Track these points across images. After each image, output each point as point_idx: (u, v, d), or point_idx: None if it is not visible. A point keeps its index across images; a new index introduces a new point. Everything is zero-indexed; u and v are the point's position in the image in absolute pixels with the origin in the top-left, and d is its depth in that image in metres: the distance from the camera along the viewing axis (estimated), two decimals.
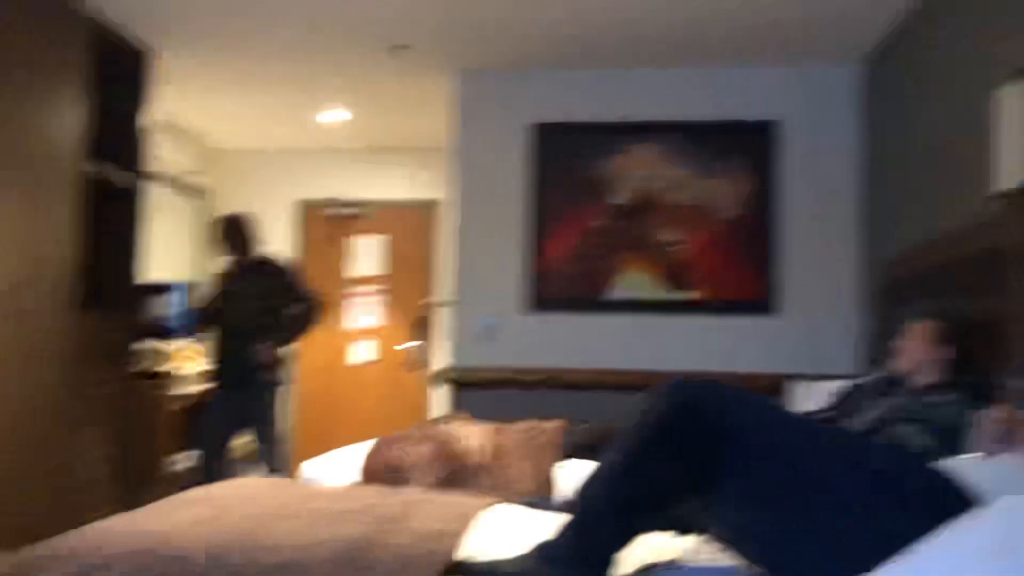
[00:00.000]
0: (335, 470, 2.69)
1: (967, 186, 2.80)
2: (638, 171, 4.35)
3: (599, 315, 4.31)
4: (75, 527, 1.65)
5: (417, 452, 2.49)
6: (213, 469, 4.07)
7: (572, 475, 2.58)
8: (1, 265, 3.18)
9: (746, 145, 4.25)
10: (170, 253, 5.56)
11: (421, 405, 6.13)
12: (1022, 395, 1.80)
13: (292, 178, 6.31)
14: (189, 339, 5.04)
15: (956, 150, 2.99)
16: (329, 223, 6.28)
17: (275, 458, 4.17)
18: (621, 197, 4.34)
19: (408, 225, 6.26)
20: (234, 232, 4.29)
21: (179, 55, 4.27)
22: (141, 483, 4.34)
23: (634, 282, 4.30)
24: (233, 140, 6.14)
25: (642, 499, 1.42)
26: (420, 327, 6.17)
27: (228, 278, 4.33)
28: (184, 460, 4.89)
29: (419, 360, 6.14)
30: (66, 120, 3.60)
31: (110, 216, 4.03)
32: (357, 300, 6.26)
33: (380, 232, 6.28)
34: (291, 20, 3.86)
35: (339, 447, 6.04)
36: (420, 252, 6.23)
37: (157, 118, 4.77)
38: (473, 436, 2.57)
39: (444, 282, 6.10)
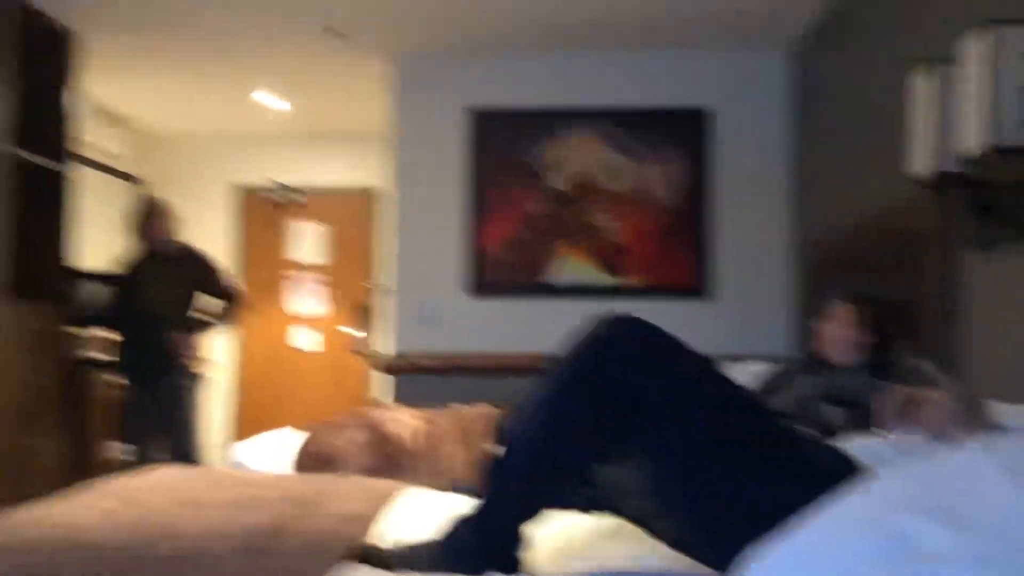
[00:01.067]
0: (266, 453, 2.70)
1: (887, 172, 2.90)
2: (575, 157, 4.40)
3: (539, 300, 4.37)
4: None
5: (348, 438, 2.51)
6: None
7: None
8: None
9: (680, 132, 4.33)
10: (105, 241, 5.47)
11: (363, 393, 6.14)
12: (921, 375, 1.89)
13: (229, 163, 6.25)
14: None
15: (877, 136, 3.10)
16: (268, 208, 6.24)
17: (191, 450, 4.14)
18: (559, 183, 4.39)
19: (348, 212, 6.25)
20: (150, 217, 4.24)
21: (104, 37, 4.19)
22: (90, 472, 4.30)
23: (573, 267, 4.37)
24: (167, 125, 6.05)
25: (553, 455, 1.44)
26: (362, 314, 6.17)
27: (141, 265, 4.27)
28: (125, 451, 4.86)
29: (362, 346, 6.14)
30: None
31: (38, 202, 3.97)
32: (298, 286, 6.24)
33: (321, 219, 6.26)
34: None
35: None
36: (361, 239, 6.22)
37: (87, 103, 4.69)
38: (406, 422, 2.60)
39: (386, 269, 6.11)
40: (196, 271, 4.24)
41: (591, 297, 4.33)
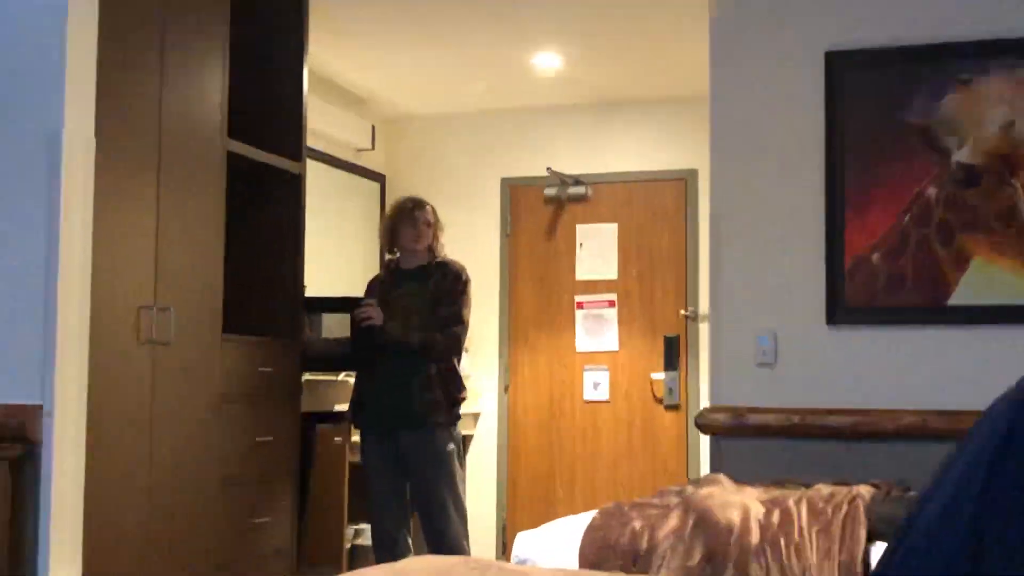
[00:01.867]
0: (556, 548, 2.65)
1: None
2: (990, 113, 4.01)
3: (935, 329, 4.01)
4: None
5: (662, 527, 2.39)
6: (387, 544, 4.18)
7: None
8: (133, 277, 3.45)
9: None
10: (341, 256, 5.85)
11: (675, 460, 6.03)
12: None
13: (497, 149, 6.44)
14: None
15: None
16: (544, 207, 6.35)
17: (451, 535, 4.18)
18: (965, 152, 4.03)
19: (652, 208, 6.20)
20: (404, 223, 4.36)
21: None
22: (321, 558, 4.59)
23: (990, 278, 3.96)
24: (417, 105, 6.36)
25: None
26: (674, 350, 6.08)
27: (392, 287, 4.39)
28: (364, 534, 5.10)
29: (672, 396, 6.05)
30: (207, 85, 3.86)
31: (260, 210, 4.29)
32: (585, 313, 6.27)
33: (614, 218, 6.26)
34: None
35: (561, 514, 6.12)
36: (671, 244, 6.14)
37: (317, 80, 5.03)
38: (740, 505, 2.44)
39: (706, 286, 5.96)
40: (446, 288, 4.33)
41: (1018, 324, 3.92)
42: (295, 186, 4.38)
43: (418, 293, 4.31)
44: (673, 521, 2.44)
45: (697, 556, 2.34)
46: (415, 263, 4.39)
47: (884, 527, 2.46)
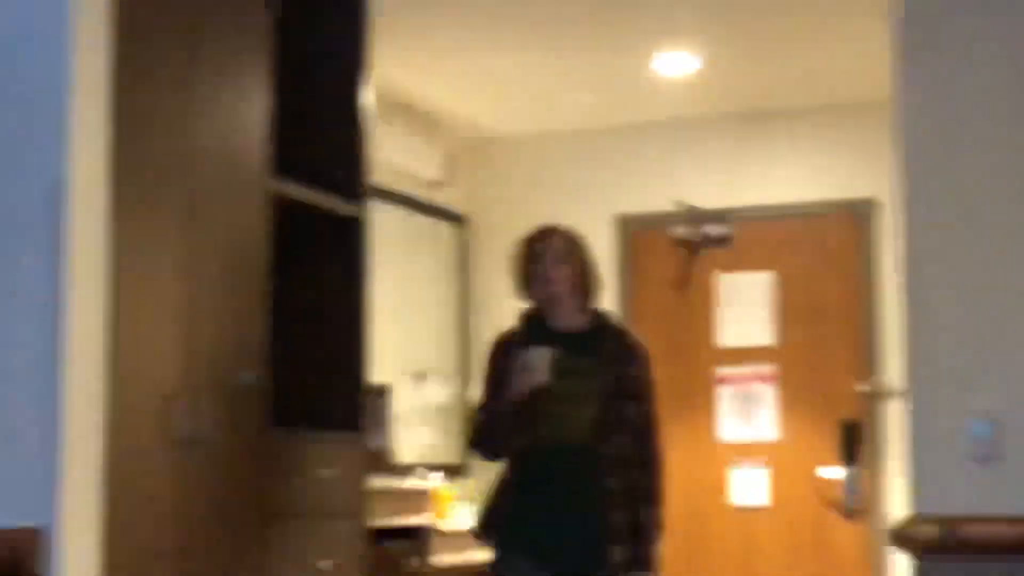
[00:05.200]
0: None
1: None
2: None
3: None
4: None
5: None
6: None
7: None
8: (157, 359, 3.47)
9: None
10: (411, 320, 5.85)
11: None
12: None
13: (607, 181, 6.42)
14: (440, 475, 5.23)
15: None
16: (676, 250, 6.30)
17: None
18: None
19: (819, 249, 6.13)
20: (568, 259, 4.01)
21: (404, 5, 4.56)
22: None
23: None
24: (502, 124, 6.38)
25: None
26: (853, 438, 5.98)
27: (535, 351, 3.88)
28: None
29: (855, 499, 5.94)
30: (247, 114, 3.89)
31: (317, 265, 4.32)
32: (732, 390, 6.20)
33: (768, 265, 6.20)
34: None
35: None
36: (843, 297, 6.06)
37: (380, 100, 5.07)
38: None
39: (896, 353, 5.85)
40: (624, 364, 4.03)
41: None
42: (356, 235, 4.41)
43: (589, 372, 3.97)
44: None
45: None
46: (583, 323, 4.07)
47: None
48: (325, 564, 4.12)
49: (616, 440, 3.91)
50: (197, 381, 3.61)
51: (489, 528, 4.02)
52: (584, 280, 4.04)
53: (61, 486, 3.11)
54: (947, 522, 4.05)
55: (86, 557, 3.17)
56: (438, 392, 5.84)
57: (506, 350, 3.98)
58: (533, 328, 4.02)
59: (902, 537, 4.14)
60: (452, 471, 5.86)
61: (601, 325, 4.11)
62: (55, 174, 3.17)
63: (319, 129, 4.38)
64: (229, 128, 3.85)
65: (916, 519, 4.11)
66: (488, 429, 4.02)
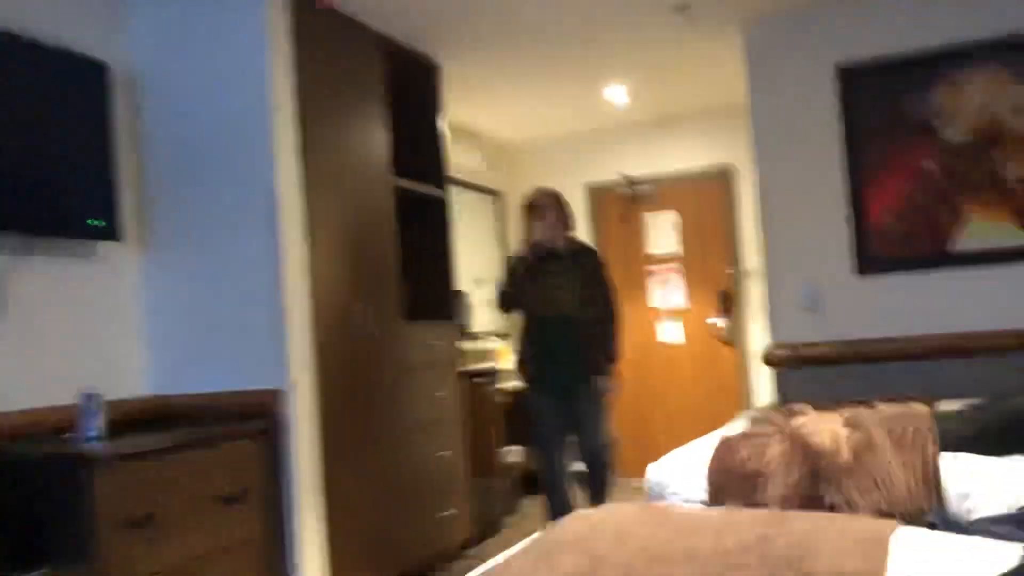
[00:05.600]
0: (681, 474, 2.52)
1: None
2: (973, 100, 3.77)
3: (943, 271, 3.81)
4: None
5: (767, 453, 2.27)
6: (555, 471, 3.97)
7: (961, 476, 2.19)
8: (337, 282, 3.42)
9: None
10: (472, 254, 5.78)
11: (732, 381, 5.88)
12: None
13: (579, 163, 6.30)
14: (497, 338, 5.18)
15: None
16: (621, 203, 6.19)
17: (604, 464, 3.95)
18: (955, 133, 3.79)
19: (704, 195, 6.01)
20: (552, 208, 3.93)
21: (460, 62, 4.37)
22: (483, 474, 4.56)
23: (982, 229, 3.75)
24: (519, 134, 6.25)
25: None
26: (726, 301, 5.91)
27: (535, 262, 3.92)
28: (514, 453, 5.08)
29: (730, 335, 5.88)
30: (375, 137, 3.81)
31: (421, 227, 4.24)
32: (657, 279, 6.12)
33: (674, 207, 6.09)
34: (568, 4, 3.80)
35: (653, 425, 5.98)
36: (719, 222, 5.96)
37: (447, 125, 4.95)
38: (830, 431, 2.30)
39: (750, 250, 5.79)
40: (591, 270, 3.97)
41: (1008, 263, 3.69)
42: (442, 208, 4.32)
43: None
44: (776, 447, 2.30)
45: (797, 474, 2.21)
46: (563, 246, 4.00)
47: (951, 443, 2.29)
48: (441, 394, 4.09)
49: (590, 310, 3.92)
50: (362, 297, 3.56)
51: (520, 367, 4.03)
52: (565, 221, 3.99)
53: (288, 363, 3.07)
54: (793, 347, 3.99)
55: (307, 408, 3.14)
56: (489, 291, 5.76)
57: (515, 263, 4.02)
58: (534, 251, 3.96)
59: (767, 357, 4.09)
60: (502, 336, 5.81)
61: (577, 246, 4.07)
62: (268, 182, 3.10)
63: (418, 146, 4.26)
64: (365, 150, 3.75)
65: (776, 346, 4.05)
66: (503, 296, 4.05)
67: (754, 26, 4.12)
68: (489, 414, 4.69)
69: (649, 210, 6.15)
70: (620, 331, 4.03)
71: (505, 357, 5.19)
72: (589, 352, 3.89)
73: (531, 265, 3.94)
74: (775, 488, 2.19)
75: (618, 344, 4.01)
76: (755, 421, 2.81)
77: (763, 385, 5.78)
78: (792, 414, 2.64)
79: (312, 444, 3.11)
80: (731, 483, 2.27)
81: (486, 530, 4.54)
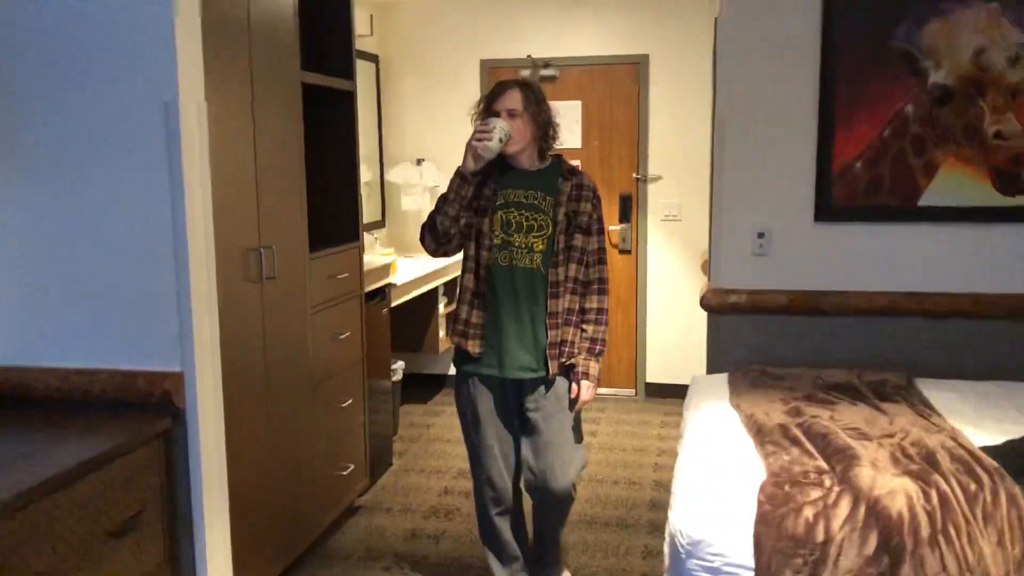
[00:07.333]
0: (723, 531, 1.97)
1: None
2: (963, 40, 3.41)
3: (905, 226, 3.54)
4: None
5: (834, 516, 1.87)
6: (491, 517, 2.91)
7: None
8: (241, 223, 2.64)
9: None
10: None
11: (627, 292, 5.58)
12: None
13: (475, 36, 5.51)
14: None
15: None
16: None
17: (561, 514, 2.96)
18: (940, 75, 3.44)
19: (611, 87, 5.44)
20: (501, 105, 2.73)
21: None
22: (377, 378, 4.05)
23: (955, 185, 3.48)
24: None
25: None
26: (627, 205, 5.51)
27: (491, 186, 2.75)
28: (397, 371, 4.65)
29: (626, 242, 5.52)
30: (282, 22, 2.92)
31: (327, 129, 3.44)
32: None
33: (578, 96, 5.50)
34: None
35: None
36: (626, 119, 5.44)
37: None
38: (903, 491, 1.92)
39: (657, 154, 5.36)
40: (574, 201, 2.75)
41: (976, 223, 3.48)
42: (351, 103, 3.51)
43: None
44: (843, 510, 1.91)
45: (872, 546, 1.86)
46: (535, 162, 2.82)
47: None
48: (345, 335, 3.47)
49: (565, 268, 2.71)
50: (268, 235, 2.82)
51: (453, 333, 2.80)
52: (540, 130, 2.77)
53: (194, 337, 2.31)
54: (734, 292, 3.64)
55: (212, 396, 2.43)
56: (369, 182, 4.99)
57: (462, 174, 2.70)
58: (499, 166, 2.73)
59: (706, 303, 3.72)
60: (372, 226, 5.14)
61: (558, 169, 2.81)
62: (169, 96, 2.25)
63: (317, 20, 3.41)
64: (278, 39, 2.89)
65: (714, 291, 3.69)
66: (435, 210, 2.72)
67: None
68: (381, 335, 4.11)
69: (551, 97, 5.47)
70: (606, 307, 2.82)
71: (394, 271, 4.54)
72: (554, 334, 2.73)
73: (485, 185, 2.74)
74: (847, 561, 1.83)
75: (604, 327, 2.81)
76: (764, 434, 2.39)
77: (655, 296, 5.52)
78: (827, 441, 2.23)
79: (218, 440, 2.43)
80: (789, 551, 1.84)
81: (376, 462, 4.09)
